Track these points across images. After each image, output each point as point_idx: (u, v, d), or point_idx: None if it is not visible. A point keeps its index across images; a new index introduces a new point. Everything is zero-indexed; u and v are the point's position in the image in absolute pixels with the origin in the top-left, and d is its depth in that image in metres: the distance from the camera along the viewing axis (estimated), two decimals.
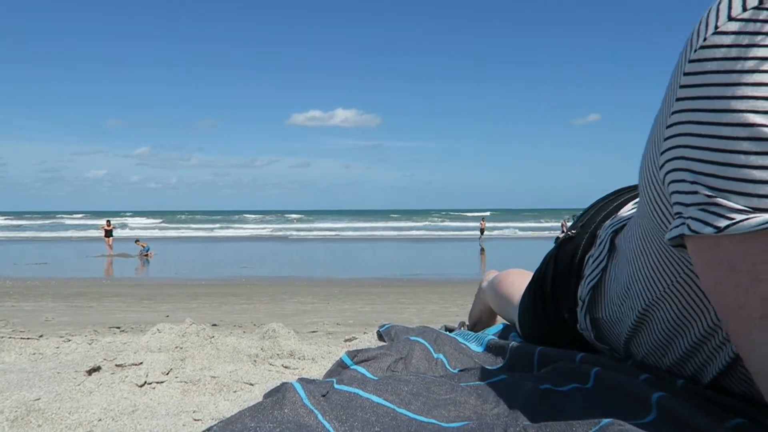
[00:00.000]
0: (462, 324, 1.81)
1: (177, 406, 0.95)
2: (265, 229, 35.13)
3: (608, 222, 0.98)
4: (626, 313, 0.84)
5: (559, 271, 1.05)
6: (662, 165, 0.57)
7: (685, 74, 0.53)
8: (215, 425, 0.65)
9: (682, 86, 0.53)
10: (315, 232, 32.54)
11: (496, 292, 1.51)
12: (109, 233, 17.83)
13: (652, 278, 0.75)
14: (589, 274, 0.94)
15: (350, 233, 31.18)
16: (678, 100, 0.54)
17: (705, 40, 0.51)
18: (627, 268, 0.82)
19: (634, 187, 1.10)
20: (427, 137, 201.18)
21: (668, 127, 0.55)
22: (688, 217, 0.54)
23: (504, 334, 1.37)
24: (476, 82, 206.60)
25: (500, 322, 1.64)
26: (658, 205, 0.63)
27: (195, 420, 0.88)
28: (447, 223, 40.88)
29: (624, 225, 0.91)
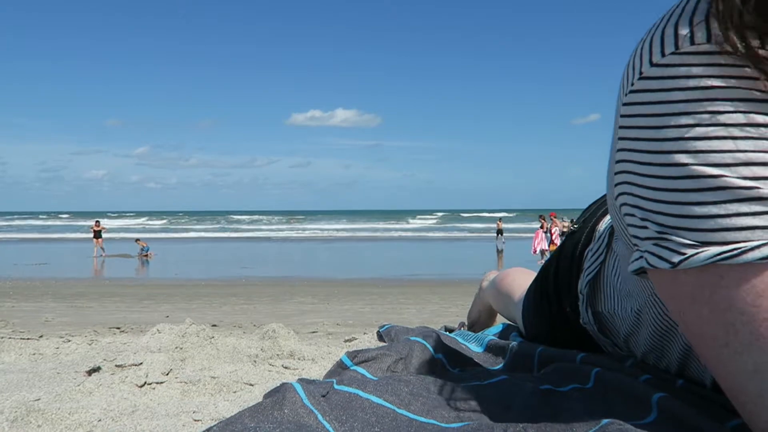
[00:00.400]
0: (462, 324, 1.81)
1: (177, 406, 0.95)
2: (264, 229, 35.13)
3: (608, 217, 0.99)
4: (625, 309, 0.85)
5: (561, 266, 1.07)
6: (616, 197, 0.59)
7: (621, 116, 0.55)
8: (215, 426, 0.65)
9: (620, 127, 0.56)
10: (314, 233, 32.55)
11: (498, 291, 1.51)
12: (98, 234, 17.29)
13: (639, 282, 0.76)
14: (587, 268, 0.95)
15: (350, 233, 31.17)
16: (620, 139, 0.56)
17: (632, 84, 0.54)
18: (623, 266, 0.84)
19: None
20: (427, 137, 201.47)
21: (616, 162, 0.58)
22: (644, 251, 0.56)
23: (504, 334, 1.37)
24: (476, 82, 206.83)
25: (499, 322, 1.64)
26: (620, 228, 0.65)
27: (195, 420, 0.88)
28: (447, 223, 40.91)
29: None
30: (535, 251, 13.34)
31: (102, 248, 16.65)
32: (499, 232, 20.50)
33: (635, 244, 0.58)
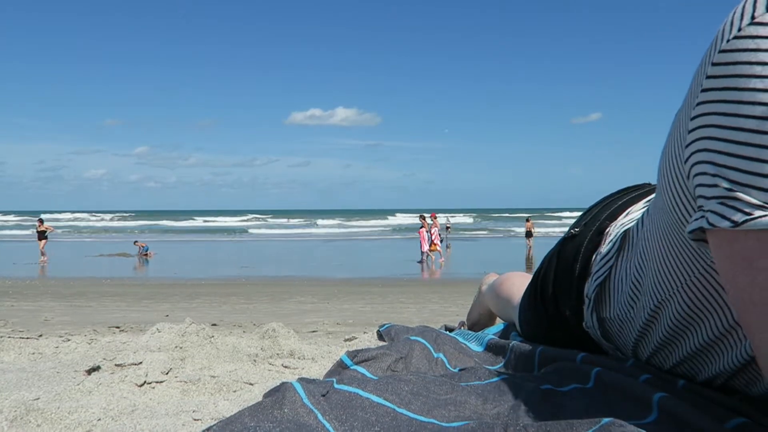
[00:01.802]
0: (462, 323, 1.81)
1: (176, 405, 0.95)
2: (264, 229, 35.16)
3: (620, 220, 0.98)
4: (638, 311, 0.83)
5: (560, 270, 1.05)
6: (687, 158, 0.57)
7: (714, 64, 0.53)
8: (215, 425, 0.65)
9: (708, 76, 0.53)
10: (314, 232, 32.58)
11: (497, 294, 1.51)
12: (42, 235, 15.19)
13: (668, 274, 0.74)
14: (596, 272, 0.94)
15: (349, 233, 31.20)
16: (704, 90, 0.54)
17: (740, 30, 0.51)
18: (640, 266, 0.82)
19: (640, 186, 1.10)
20: (427, 137, 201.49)
21: (693, 118, 0.55)
22: (708, 210, 0.53)
23: (504, 333, 1.37)
24: (477, 82, 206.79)
25: (499, 323, 1.64)
26: (681, 200, 0.63)
27: (195, 420, 0.88)
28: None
29: (636, 223, 0.90)
30: (423, 251, 13.57)
31: (43, 252, 14.56)
32: (528, 234, 16.45)
33: (700, 206, 0.56)
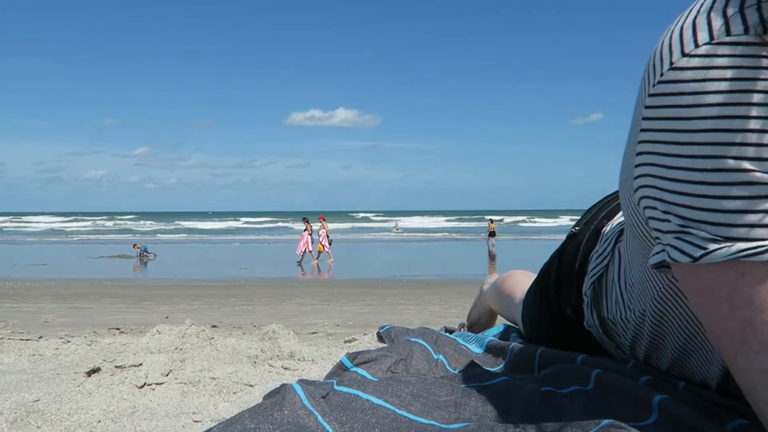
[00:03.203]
0: (462, 325, 1.81)
1: (177, 407, 0.95)
2: (263, 230, 35.15)
3: (617, 219, 0.98)
4: (631, 311, 0.84)
5: (562, 268, 1.06)
6: (636, 190, 0.58)
7: (647, 107, 0.54)
8: (215, 427, 0.65)
9: (645, 118, 0.55)
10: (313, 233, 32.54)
11: (500, 292, 1.51)
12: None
13: (645, 281, 0.76)
14: (591, 270, 0.95)
15: (349, 233, 31.19)
16: (643, 131, 0.55)
17: (661, 75, 0.52)
18: (628, 270, 0.83)
19: None
20: (427, 138, 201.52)
21: (638, 154, 0.57)
22: (667, 245, 0.55)
23: (504, 335, 1.37)
24: (477, 82, 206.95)
25: (499, 323, 1.63)
26: (636, 223, 0.64)
27: (195, 421, 0.87)
28: (447, 224, 40.94)
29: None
30: (300, 252, 13.83)
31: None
32: (491, 233, 18.17)
33: (656, 238, 0.57)
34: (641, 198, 0.57)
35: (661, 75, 0.52)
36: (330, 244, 14.21)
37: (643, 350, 0.85)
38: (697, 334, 0.70)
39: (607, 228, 0.99)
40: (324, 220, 14.50)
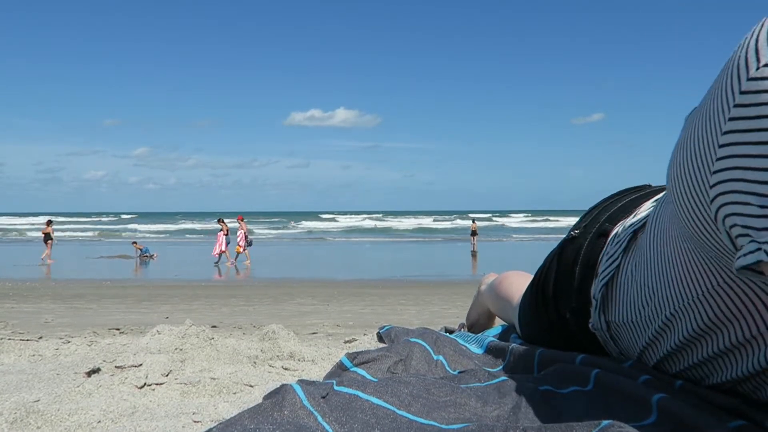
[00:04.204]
0: (462, 326, 1.81)
1: (177, 407, 0.95)
2: (263, 230, 35.15)
3: (629, 221, 0.96)
4: (648, 317, 0.82)
5: (561, 272, 1.05)
6: (713, 185, 0.56)
7: (737, 106, 0.53)
8: (215, 427, 0.65)
9: (733, 118, 0.53)
10: (313, 233, 32.57)
11: (496, 294, 1.51)
12: (47, 237, 15.02)
13: (685, 282, 0.73)
14: (602, 272, 0.93)
15: (349, 234, 31.19)
16: (727, 132, 0.53)
17: (757, 70, 0.51)
18: (651, 271, 0.81)
19: (640, 188, 1.10)
20: (427, 138, 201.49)
21: (721, 147, 0.55)
22: (763, 242, 0.52)
23: (504, 335, 1.37)
24: (477, 82, 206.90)
25: (498, 324, 1.64)
26: (699, 221, 0.62)
27: (195, 422, 0.88)
28: (447, 225, 40.94)
29: (644, 224, 0.89)
30: (216, 254, 13.82)
31: (49, 255, 14.40)
32: (473, 233, 19.43)
33: (744, 235, 0.54)
34: (724, 193, 0.55)
35: (756, 70, 0.51)
36: (249, 245, 14.14)
37: (658, 355, 0.83)
38: (759, 335, 0.67)
39: (618, 229, 0.97)
40: (242, 220, 14.44)
